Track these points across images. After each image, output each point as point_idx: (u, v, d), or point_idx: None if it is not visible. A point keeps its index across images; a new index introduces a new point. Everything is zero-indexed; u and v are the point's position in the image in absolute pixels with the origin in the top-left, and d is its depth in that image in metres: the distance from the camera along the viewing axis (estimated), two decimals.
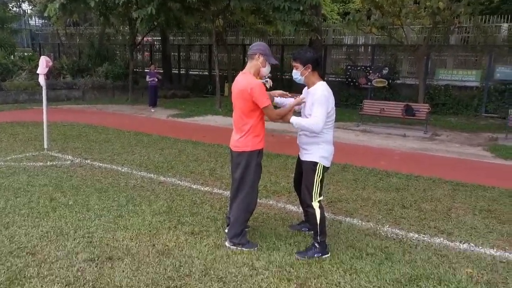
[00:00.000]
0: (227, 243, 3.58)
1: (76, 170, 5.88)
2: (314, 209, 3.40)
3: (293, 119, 3.38)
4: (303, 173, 3.47)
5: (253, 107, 3.38)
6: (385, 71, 14.84)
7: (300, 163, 3.61)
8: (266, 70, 3.51)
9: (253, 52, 3.44)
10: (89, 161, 6.44)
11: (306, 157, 3.45)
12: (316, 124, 3.25)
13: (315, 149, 3.39)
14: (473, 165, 7.34)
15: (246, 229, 3.74)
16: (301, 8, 11.25)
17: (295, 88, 3.62)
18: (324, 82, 3.41)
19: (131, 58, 16.42)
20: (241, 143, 3.47)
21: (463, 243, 3.83)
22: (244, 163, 3.47)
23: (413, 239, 3.88)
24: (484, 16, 14.78)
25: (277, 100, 3.73)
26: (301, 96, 3.56)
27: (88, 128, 9.46)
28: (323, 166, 3.42)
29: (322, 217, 3.42)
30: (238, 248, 3.51)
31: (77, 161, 6.42)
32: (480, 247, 3.76)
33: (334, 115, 3.44)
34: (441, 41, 15.08)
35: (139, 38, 18.14)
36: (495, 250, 3.71)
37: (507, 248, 3.76)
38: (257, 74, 3.50)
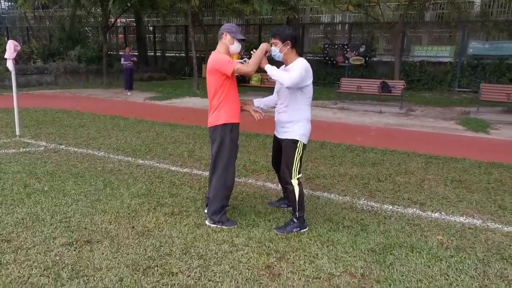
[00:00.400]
0: (207, 222, 3.61)
1: (51, 155, 5.77)
2: (293, 186, 3.46)
3: (268, 67, 3.38)
4: (283, 151, 3.51)
5: (222, 80, 3.39)
6: (362, 49, 14.95)
7: (278, 141, 3.64)
8: (235, 47, 3.50)
9: (220, 33, 3.48)
10: (63, 146, 6.31)
11: (286, 135, 3.48)
12: (290, 77, 3.24)
13: (295, 127, 3.43)
14: (446, 138, 7.56)
15: (226, 208, 3.77)
16: None
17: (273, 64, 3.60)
18: (303, 59, 3.42)
19: (104, 40, 15.99)
20: (213, 118, 3.51)
21: (435, 213, 3.98)
22: (218, 139, 3.49)
23: (387, 211, 4.01)
24: None
25: (255, 101, 3.75)
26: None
27: (62, 113, 9.24)
28: (303, 143, 3.46)
29: (301, 193, 3.47)
30: (218, 226, 3.55)
31: (51, 146, 6.29)
32: (451, 216, 3.92)
33: (312, 93, 3.46)
34: (416, 18, 15.25)
35: (112, 20, 17.62)
36: (464, 217, 3.87)
37: (475, 215, 3.93)
38: (227, 53, 3.50)
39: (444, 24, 15.28)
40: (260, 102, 3.80)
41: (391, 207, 4.11)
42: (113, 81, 15.91)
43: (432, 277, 2.85)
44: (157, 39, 21.25)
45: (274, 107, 3.74)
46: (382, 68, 15.10)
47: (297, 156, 3.44)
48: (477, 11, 15.15)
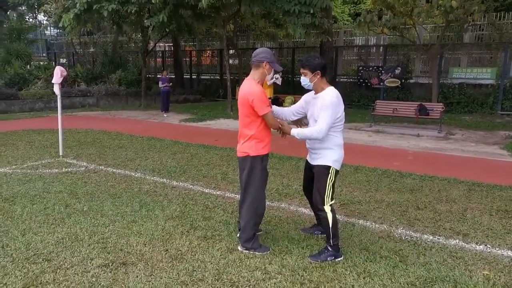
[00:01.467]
0: (239, 248, 3.58)
1: (91, 176, 5.97)
2: (326, 212, 3.39)
3: (294, 131, 3.42)
4: (315, 177, 3.46)
5: (255, 114, 3.43)
6: (397, 71, 14.71)
7: (309, 167, 3.60)
8: (269, 77, 3.62)
9: (259, 60, 3.45)
10: (103, 167, 6.53)
11: (318, 161, 3.44)
12: (319, 130, 3.28)
13: (328, 153, 3.39)
14: (489, 164, 7.20)
15: (259, 233, 3.74)
16: (312, 11, 11.27)
17: (304, 91, 3.62)
18: (333, 88, 3.41)
19: (143, 64, 16.64)
20: (244, 148, 3.51)
21: (480, 245, 3.76)
22: (248, 167, 3.49)
23: (427, 241, 3.82)
24: (498, 13, 14.54)
25: (274, 109, 3.72)
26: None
27: (102, 134, 9.60)
28: (335, 169, 3.40)
29: (334, 220, 3.40)
30: (251, 252, 3.51)
31: (91, 167, 6.52)
32: (497, 249, 3.68)
33: (344, 119, 3.43)
34: (454, 40, 14.88)
35: (151, 45, 18.37)
36: None
37: None
38: (262, 81, 3.55)
39: (485, 45, 14.81)
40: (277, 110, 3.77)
41: (431, 237, 3.92)
42: (151, 103, 16.44)
43: None
44: (193, 62, 21.89)
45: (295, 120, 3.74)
46: (418, 90, 14.75)
47: (329, 183, 3.39)
48: None
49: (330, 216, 3.38)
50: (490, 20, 14.03)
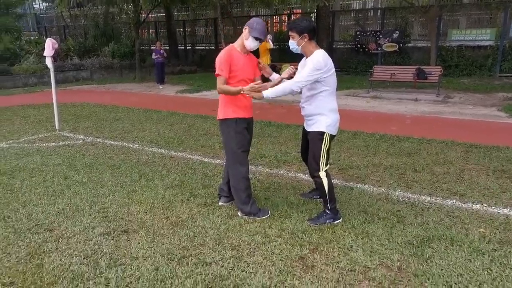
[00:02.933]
0: (239, 213, 3.62)
1: (89, 148, 5.96)
2: (321, 178, 3.39)
3: (266, 92, 3.28)
4: (310, 143, 3.45)
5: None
6: (395, 35, 14.47)
7: (306, 133, 3.58)
8: (248, 43, 3.41)
9: (244, 27, 3.44)
10: (100, 139, 6.51)
11: (312, 127, 3.41)
12: (295, 83, 3.23)
13: (321, 119, 3.35)
14: (487, 126, 7.21)
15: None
16: None
17: (299, 58, 3.55)
18: (322, 50, 3.32)
19: (136, 36, 16.29)
20: (218, 112, 3.58)
21: (476, 204, 3.81)
22: (222, 131, 3.58)
23: (425, 202, 3.87)
24: None
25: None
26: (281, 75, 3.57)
27: (98, 108, 9.52)
28: (330, 134, 3.38)
29: (330, 185, 3.41)
30: (250, 218, 3.55)
31: (88, 140, 6.50)
32: (493, 207, 3.73)
33: (335, 83, 3.36)
34: (453, 0, 14.53)
35: (144, 16, 17.92)
36: (508, 209, 3.68)
37: None
38: (244, 47, 3.47)
39: (484, 5, 14.48)
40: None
41: (429, 198, 3.97)
42: (146, 76, 16.23)
43: (473, 272, 2.73)
44: (187, 32, 21.43)
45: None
46: (417, 54, 14.56)
47: (323, 148, 3.37)
48: None
49: (325, 182, 3.39)
50: None
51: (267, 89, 3.31)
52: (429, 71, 10.88)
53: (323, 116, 3.35)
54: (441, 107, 8.96)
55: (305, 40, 3.30)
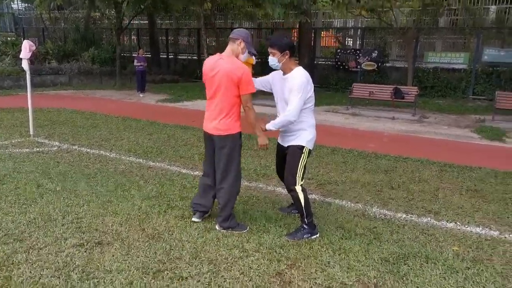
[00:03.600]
0: (217, 227, 3.58)
1: (64, 156, 5.81)
2: (297, 192, 3.41)
3: (269, 125, 3.42)
4: (288, 157, 3.48)
5: (237, 90, 3.38)
6: (374, 54, 14.83)
7: (281, 149, 3.62)
8: (243, 57, 3.48)
9: (235, 37, 3.40)
10: (76, 146, 6.35)
11: (292, 142, 3.45)
12: (292, 114, 3.29)
13: (301, 134, 3.41)
14: (461, 146, 7.44)
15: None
16: None
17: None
18: (301, 68, 3.39)
19: (117, 42, 16.11)
20: (222, 125, 3.44)
21: (450, 222, 3.90)
22: (229, 145, 3.46)
23: (401, 219, 3.94)
24: None
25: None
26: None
27: (75, 114, 9.32)
28: (309, 149, 3.43)
29: (306, 199, 3.43)
30: (229, 231, 3.52)
31: (64, 147, 6.33)
32: (466, 226, 3.83)
33: (314, 99, 3.44)
34: (430, 24, 15.07)
35: (126, 22, 17.78)
36: (480, 228, 3.78)
37: (492, 226, 3.84)
38: (236, 57, 3.47)
39: (459, 30, 15.07)
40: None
41: (404, 215, 4.04)
42: (126, 83, 16.01)
43: None
44: (169, 41, 21.36)
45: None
46: (395, 74, 14.95)
47: (301, 163, 3.41)
48: (493, 18, 14.94)
49: (301, 196, 3.41)
50: (464, 5, 14.27)
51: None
52: (406, 91, 11.18)
53: (304, 131, 3.39)
54: (417, 127, 9.20)
55: (286, 57, 3.35)
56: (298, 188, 3.42)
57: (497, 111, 10.03)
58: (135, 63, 13.63)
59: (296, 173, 3.41)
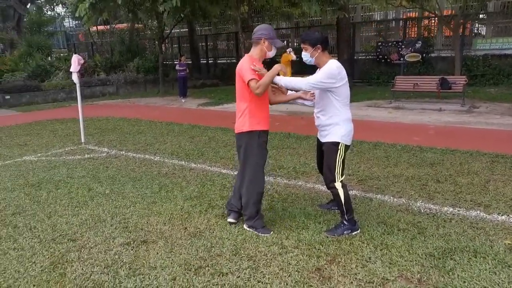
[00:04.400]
0: (245, 226, 3.59)
1: (112, 161, 6.12)
2: (337, 189, 3.37)
3: (278, 79, 3.35)
4: (325, 154, 3.44)
5: (246, 87, 3.36)
6: (418, 45, 14.30)
7: (320, 145, 3.58)
8: (272, 54, 3.50)
9: (257, 37, 3.42)
10: (123, 152, 6.68)
11: (327, 138, 3.41)
12: (307, 81, 3.24)
13: (336, 129, 3.35)
14: None
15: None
16: None
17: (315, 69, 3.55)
18: (335, 60, 3.33)
19: (160, 51, 16.72)
20: (239, 124, 3.49)
21: (502, 215, 3.68)
22: (244, 144, 3.46)
23: (447, 213, 3.77)
24: None
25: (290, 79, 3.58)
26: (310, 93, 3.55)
27: (122, 121, 9.78)
28: (345, 145, 3.37)
29: (346, 196, 3.37)
30: (251, 230, 3.50)
31: (112, 152, 6.67)
32: None
33: (348, 93, 3.35)
34: (478, 9, 14.26)
35: (167, 31, 18.40)
36: None
37: None
38: (262, 57, 3.49)
39: (510, 13, 14.14)
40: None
41: (451, 209, 3.86)
42: (169, 89, 16.57)
43: (498, 285, 2.63)
44: (209, 47, 21.83)
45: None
46: (441, 64, 14.30)
47: (339, 159, 3.35)
48: None
49: (341, 192, 3.36)
50: None
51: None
52: (453, 81, 10.65)
53: (337, 126, 3.34)
54: (466, 117, 8.73)
55: (319, 51, 3.33)
56: (338, 185, 3.38)
57: None
58: (177, 67, 14.09)
59: (334, 170, 3.37)
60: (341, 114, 3.34)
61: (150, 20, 19.86)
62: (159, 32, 16.64)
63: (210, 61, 21.64)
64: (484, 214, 3.71)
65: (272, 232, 3.49)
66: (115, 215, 4.02)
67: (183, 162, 5.93)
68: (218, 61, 21.59)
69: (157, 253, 3.22)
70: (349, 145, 3.43)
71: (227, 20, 21.51)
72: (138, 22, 20.12)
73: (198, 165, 5.73)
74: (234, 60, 20.59)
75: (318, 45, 3.31)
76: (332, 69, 3.22)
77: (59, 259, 3.19)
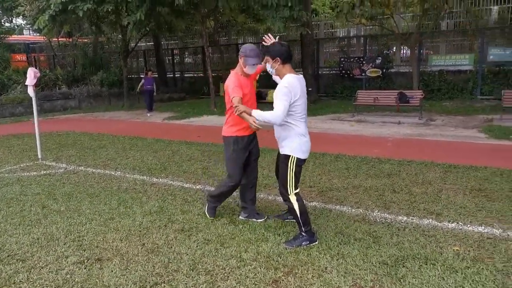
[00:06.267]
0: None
1: (70, 177, 5.92)
2: (291, 202, 3.41)
3: (255, 112, 3.40)
4: (279, 166, 3.51)
5: (230, 99, 3.68)
6: (378, 61, 14.85)
7: (278, 155, 3.67)
8: (248, 70, 3.73)
9: (239, 54, 3.77)
10: (82, 167, 6.48)
11: (281, 150, 3.50)
12: (275, 116, 3.28)
13: (288, 143, 3.42)
14: (467, 147, 7.34)
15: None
16: (289, 4, 11.26)
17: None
18: (292, 75, 3.37)
19: (124, 65, 16.47)
20: (223, 129, 3.94)
21: (452, 223, 3.84)
22: (224, 146, 3.95)
23: (401, 222, 3.90)
24: (473, 0, 14.77)
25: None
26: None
27: (83, 136, 9.52)
28: (297, 158, 3.40)
29: (302, 208, 3.41)
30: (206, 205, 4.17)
31: (70, 168, 6.46)
32: (468, 225, 3.77)
33: (302, 108, 3.39)
34: (432, 28, 15.04)
35: (132, 45, 18.19)
36: (483, 227, 3.72)
37: (495, 224, 3.77)
38: (242, 71, 3.78)
39: (462, 32, 15.01)
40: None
41: (405, 218, 4.00)
42: (134, 103, 16.31)
43: None
44: (175, 60, 21.75)
45: None
46: (400, 79, 14.91)
47: (290, 172, 3.40)
48: (495, 18, 14.86)
49: (296, 205, 3.40)
50: (466, 7, 14.25)
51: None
52: (411, 95, 11.13)
53: (289, 140, 3.40)
54: (423, 130, 9.11)
55: (278, 63, 3.41)
56: (292, 198, 3.42)
57: (505, 110, 9.90)
58: (142, 82, 13.92)
59: (287, 183, 3.41)
60: (295, 128, 3.39)
61: (114, 33, 19.59)
62: (123, 46, 16.42)
63: (177, 75, 21.54)
64: (436, 222, 3.87)
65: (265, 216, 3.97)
66: (70, 233, 3.88)
67: (145, 177, 5.82)
68: (185, 75, 21.52)
69: (112, 271, 3.13)
70: (303, 159, 3.47)
71: (194, 34, 21.56)
72: (102, 35, 19.78)
73: (160, 179, 5.65)
74: (202, 74, 20.60)
75: (277, 58, 3.38)
76: (281, 88, 3.29)
77: (6, 281, 3.03)
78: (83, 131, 10.20)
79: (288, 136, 3.40)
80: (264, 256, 3.27)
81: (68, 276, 3.08)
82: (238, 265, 3.15)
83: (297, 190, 3.44)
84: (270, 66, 3.45)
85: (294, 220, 3.68)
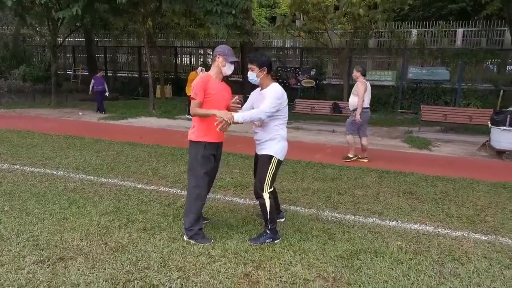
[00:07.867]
0: (184, 237, 3.64)
1: (6, 175, 5.51)
2: (264, 199, 3.63)
3: (237, 116, 3.45)
4: (258, 166, 3.69)
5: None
6: (312, 72, 15.72)
7: (256, 157, 3.82)
8: (227, 69, 3.63)
9: (214, 55, 3.65)
10: (18, 166, 6.04)
11: (263, 151, 3.67)
12: (262, 111, 3.46)
13: (271, 144, 3.63)
14: (394, 155, 8.16)
15: (205, 222, 3.91)
16: (234, 12, 11.52)
17: (251, 88, 3.82)
18: (277, 84, 3.66)
19: (53, 60, 15.42)
20: (189, 133, 3.69)
21: (392, 221, 4.34)
22: (191, 153, 3.66)
23: (350, 221, 4.30)
24: (396, 22, 16.37)
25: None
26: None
27: (10, 133, 8.79)
28: (278, 160, 3.65)
29: (272, 206, 3.64)
30: (192, 241, 3.59)
31: (4, 167, 5.99)
32: (406, 223, 4.29)
33: (286, 114, 3.67)
34: (361, 45, 16.36)
35: (60, 39, 17.10)
36: (418, 225, 4.26)
37: (427, 223, 4.33)
38: (219, 73, 3.66)
39: (386, 51, 16.53)
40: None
41: (353, 217, 4.41)
42: (62, 101, 15.33)
43: (396, 278, 3.13)
44: (108, 59, 20.83)
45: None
46: (331, 90, 15.94)
47: (270, 172, 3.63)
48: (414, 40, 16.62)
49: (268, 203, 3.62)
50: (390, 28, 15.75)
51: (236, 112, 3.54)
52: (343, 106, 11.99)
53: (273, 141, 3.62)
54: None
55: (264, 73, 3.60)
56: (266, 195, 3.62)
57: (423, 123, 11.13)
58: (92, 83, 13.25)
59: (264, 181, 3.62)
60: (278, 131, 3.63)
61: (40, 26, 18.22)
62: (52, 40, 15.37)
63: (109, 74, 20.62)
64: (379, 221, 4.34)
65: (212, 241, 3.61)
66: (21, 232, 3.68)
67: (92, 177, 5.62)
68: (118, 74, 20.71)
69: (78, 270, 3.06)
70: (282, 161, 3.71)
71: (130, 33, 20.86)
72: (27, 27, 18.31)
73: (110, 180, 5.50)
74: (136, 75, 20.00)
75: (264, 67, 3.58)
76: (277, 92, 3.52)
77: None
78: (8, 128, 9.40)
79: (273, 138, 3.61)
80: (231, 253, 3.43)
81: (30, 275, 2.95)
82: (208, 261, 3.27)
83: (271, 189, 3.65)
84: (255, 75, 3.61)
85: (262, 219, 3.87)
